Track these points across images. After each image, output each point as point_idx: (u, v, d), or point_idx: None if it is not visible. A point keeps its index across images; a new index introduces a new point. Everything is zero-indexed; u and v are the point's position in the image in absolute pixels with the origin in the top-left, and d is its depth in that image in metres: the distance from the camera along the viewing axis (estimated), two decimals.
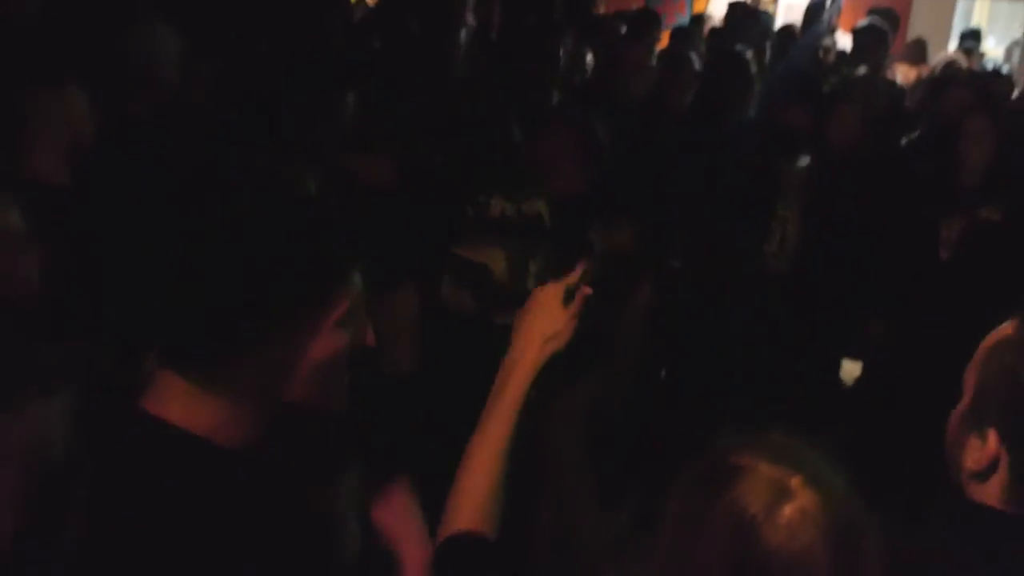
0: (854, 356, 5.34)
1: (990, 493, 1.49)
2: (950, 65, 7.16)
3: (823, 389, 5.23)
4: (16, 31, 3.53)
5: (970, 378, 1.58)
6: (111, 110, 3.02)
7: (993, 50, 11.16)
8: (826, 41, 7.17)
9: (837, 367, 5.51)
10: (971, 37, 9.39)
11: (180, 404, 1.34)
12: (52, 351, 2.10)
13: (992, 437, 1.47)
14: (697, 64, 5.30)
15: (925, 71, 7.96)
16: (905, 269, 4.55)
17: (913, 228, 4.57)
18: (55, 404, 2.07)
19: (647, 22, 6.53)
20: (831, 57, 7.00)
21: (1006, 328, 1.54)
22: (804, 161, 4.69)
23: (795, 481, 1.29)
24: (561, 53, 4.81)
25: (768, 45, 6.80)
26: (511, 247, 3.10)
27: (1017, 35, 11.77)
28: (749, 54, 5.51)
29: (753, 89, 5.37)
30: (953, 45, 10.08)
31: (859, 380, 5.53)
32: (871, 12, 7.28)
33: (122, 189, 2.67)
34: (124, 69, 3.28)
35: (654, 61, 5.86)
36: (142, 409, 1.38)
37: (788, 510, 1.27)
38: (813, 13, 7.76)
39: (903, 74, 7.93)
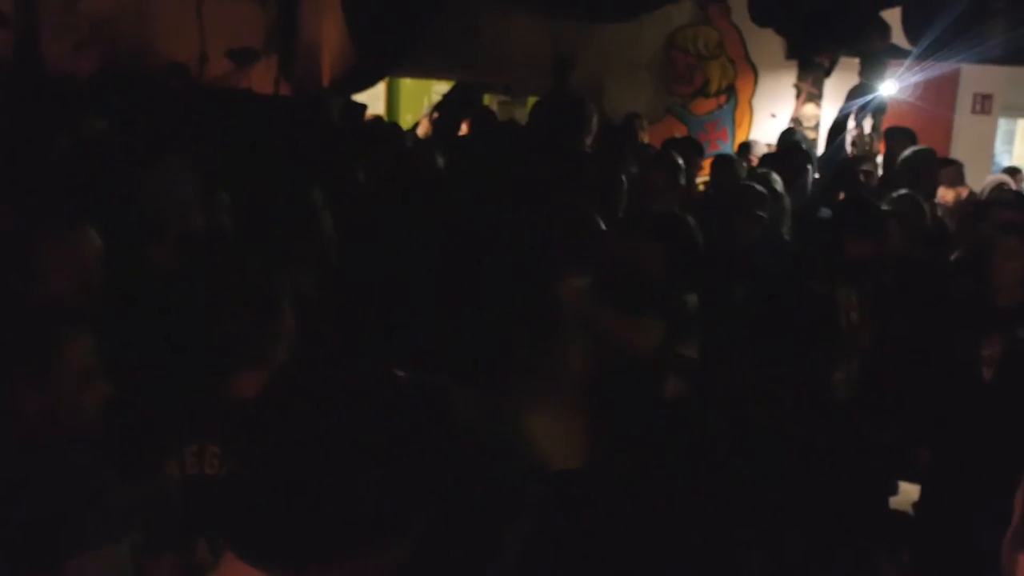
0: (911, 480, 5.28)
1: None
2: (999, 187, 7.19)
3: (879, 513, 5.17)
4: (41, 173, 3.64)
5: (1020, 498, 1.57)
6: (128, 255, 3.06)
7: None
8: (866, 166, 7.26)
9: (892, 491, 5.45)
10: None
11: None
12: (123, 493, 2.13)
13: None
14: None
15: (964, 193, 8.00)
16: (949, 391, 4.51)
17: (953, 349, 4.55)
18: (121, 550, 2.08)
19: (687, 148, 6.67)
20: (873, 181, 7.06)
21: None
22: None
23: None
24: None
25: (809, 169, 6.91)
26: None
27: None
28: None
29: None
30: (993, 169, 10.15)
31: (918, 504, 5.45)
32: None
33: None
34: (139, 213, 3.31)
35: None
36: None
37: None
38: (836, 130, 7.93)
39: (941, 196, 7.99)
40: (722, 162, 6.90)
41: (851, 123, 8.91)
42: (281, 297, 2.58)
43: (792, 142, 7.43)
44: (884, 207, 5.39)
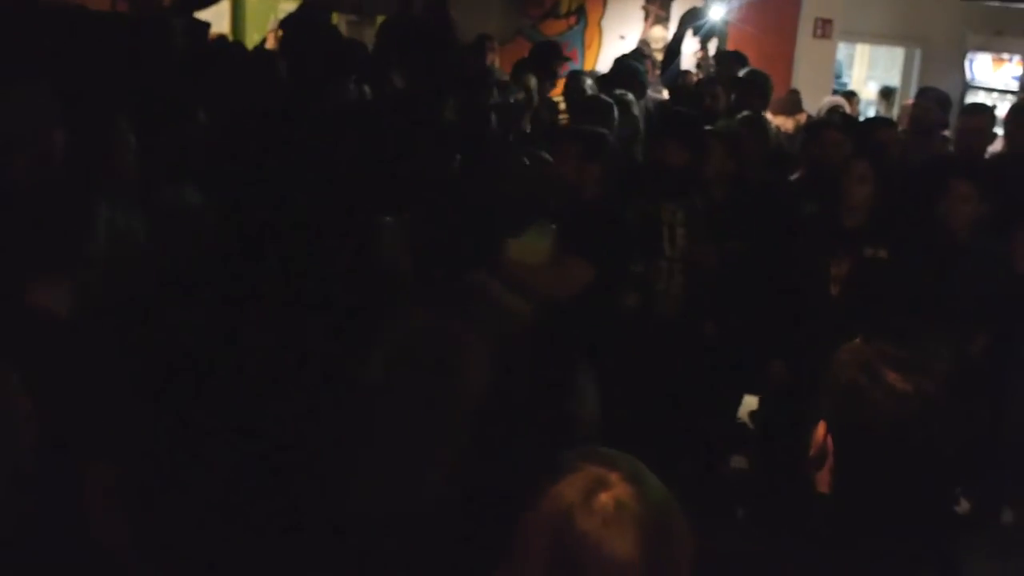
0: (754, 392, 5.49)
1: (822, 480, 1.58)
2: (834, 109, 7.44)
3: (722, 424, 5.38)
4: None
5: (821, 430, 1.65)
6: None
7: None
8: (716, 89, 7.41)
9: (738, 404, 5.67)
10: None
11: None
12: None
13: (822, 428, 1.56)
14: None
15: (803, 119, 8.27)
16: (798, 307, 4.69)
17: (803, 267, 4.73)
18: None
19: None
20: (720, 104, 7.22)
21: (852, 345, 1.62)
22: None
23: (614, 476, 1.34)
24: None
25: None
26: None
27: (894, 81, 12.28)
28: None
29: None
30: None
31: (756, 413, 5.70)
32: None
33: None
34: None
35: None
36: None
37: (603, 498, 1.31)
38: (670, 55, 8.11)
39: (782, 123, 8.24)
40: (571, 77, 7.02)
41: (694, 47, 9.09)
42: (92, 214, 2.58)
43: (627, 65, 7.53)
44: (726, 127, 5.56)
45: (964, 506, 5.31)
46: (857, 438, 1.47)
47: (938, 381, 1.40)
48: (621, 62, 7.64)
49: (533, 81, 6.83)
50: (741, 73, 7.20)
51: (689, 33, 9.20)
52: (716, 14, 9.80)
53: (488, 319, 2.64)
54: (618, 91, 6.18)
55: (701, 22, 9.29)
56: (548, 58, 7.35)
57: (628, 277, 4.55)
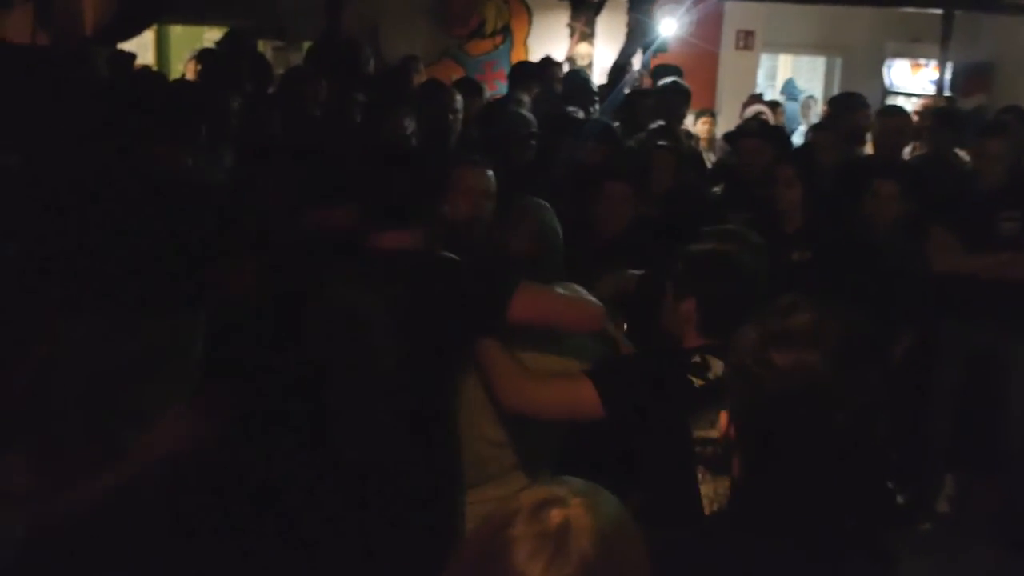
0: None
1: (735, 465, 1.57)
2: (757, 116, 7.56)
3: None
4: None
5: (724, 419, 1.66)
6: None
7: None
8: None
9: None
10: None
11: None
12: None
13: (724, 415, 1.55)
14: None
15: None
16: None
17: None
18: None
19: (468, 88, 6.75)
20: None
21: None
22: None
23: (572, 498, 1.31)
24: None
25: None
26: None
27: (816, 91, 12.49)
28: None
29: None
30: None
31: None
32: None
33: None
34: None
35: None
36: None
37: (553, 514, 1.28)
38: (617, 73, 8.16)
39: (699, 130, 8.41)
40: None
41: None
42: None
43: (581, 79, 7.59)
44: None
45: (899, 500, 5.41)
46: (748, 420, 1.47)
47: (824, 353, 1.39)
48: (571, 78, 7.68)
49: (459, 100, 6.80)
50: (663, 82, 7.30)
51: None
52: (667, 30, 9.72)
53: None
54: (570, 108, 6.18)
55: (651, 39, 9.29)
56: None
57: None
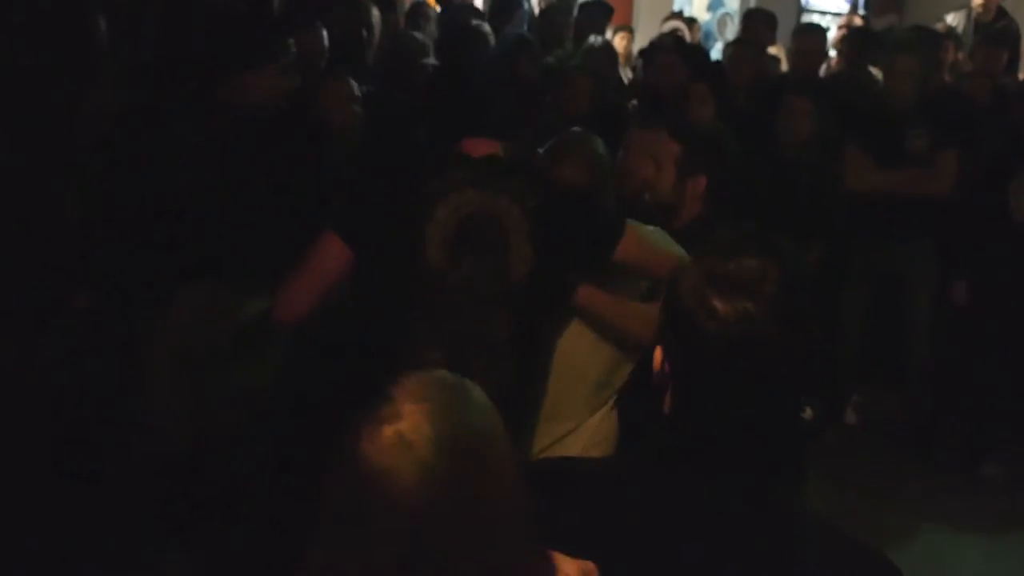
0: None
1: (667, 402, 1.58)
2: (673, 32, 7.52)
3: None
4: None
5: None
6: None
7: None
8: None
9: None
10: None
11: None
12: None
13: (659, 352, 1.55)
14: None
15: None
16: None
17: None
18: None
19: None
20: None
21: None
22: None
23: (407, 408, 1.30)
24: None
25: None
26: None
27: (732, 8, 12.44)
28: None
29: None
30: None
31: None
32: None
33: None
34: None
35: None
36: None
37: (387, 431, 1.27)
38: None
39: (617, 46, 8.33)
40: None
41: None
42: None
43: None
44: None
45: (808, 413, 5.52)
46: (686, 362, 1.46)
47: (767, 303, 1.38)
48: None
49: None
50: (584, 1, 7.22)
51: None
52: None
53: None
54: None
55: None
56: None
57: None
